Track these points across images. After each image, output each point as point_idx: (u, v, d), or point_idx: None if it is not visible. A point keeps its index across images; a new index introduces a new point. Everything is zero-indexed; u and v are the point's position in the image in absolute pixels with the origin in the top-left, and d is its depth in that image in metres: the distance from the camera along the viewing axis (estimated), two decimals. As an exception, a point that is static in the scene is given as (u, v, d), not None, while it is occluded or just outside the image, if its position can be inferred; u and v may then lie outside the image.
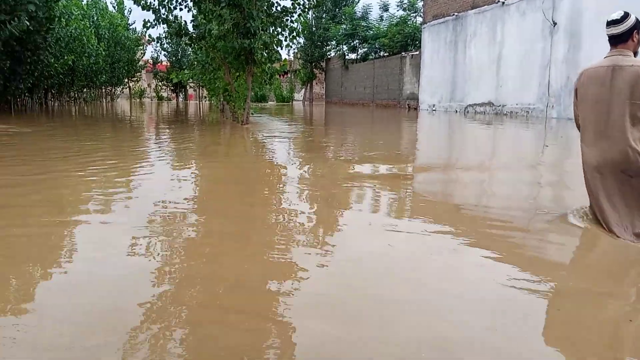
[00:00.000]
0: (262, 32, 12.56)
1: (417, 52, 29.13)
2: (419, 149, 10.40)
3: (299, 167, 7.09)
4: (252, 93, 14.70)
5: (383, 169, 6.68)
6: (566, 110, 17.47)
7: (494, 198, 5.11)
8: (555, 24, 18.03)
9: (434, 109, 26.57)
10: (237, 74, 14.35)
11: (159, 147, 9.88)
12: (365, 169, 6.68)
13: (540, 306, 2.37)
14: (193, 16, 13.94)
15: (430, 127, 17.01)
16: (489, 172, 6.77)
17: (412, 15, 33.70)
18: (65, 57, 23.39)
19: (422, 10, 29.82)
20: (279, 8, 13.20)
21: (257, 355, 1.89)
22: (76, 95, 35.25)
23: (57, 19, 19.75)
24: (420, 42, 28.84)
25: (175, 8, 13.23)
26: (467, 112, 23.42)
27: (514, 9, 20.43)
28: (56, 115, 21.13)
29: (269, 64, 13.83)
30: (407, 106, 29.89)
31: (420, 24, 29.53)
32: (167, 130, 14.59)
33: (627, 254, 3.14)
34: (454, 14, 24.68)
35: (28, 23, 15.84)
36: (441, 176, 6.37)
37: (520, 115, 19.70)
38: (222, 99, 18.45)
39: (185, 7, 13.38)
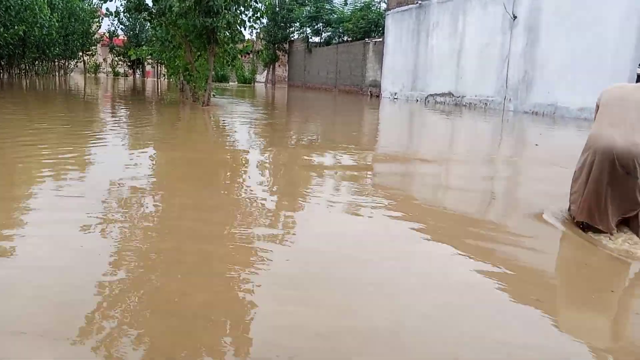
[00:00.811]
0: (226, 11, 12.27)
1: (380, 39, 29.20)
2: (380, 138, 10.46)
3: (259, 153, 7.01)
4: (213, 73, 14.40)
5: (344, 158, 6.69)
6: (523, 104, 17.95)
7: (460, 192, 5.19)
8: (515, 17, 18.40)
9: (395, 97, 26.79)
10: (199, 53, 14.02)
11: (114, 128, 9.57)
12: (326, 158, 6.67)
13: (506, 304, 2.44)
14: (153, -10, 13.46)
15: (391, 115, 17.15)
16: (458, 165, 6.89)
17: (376, 1, 33.72)
18: (16, 27, 22.24)
19: (386, -3, 29.86)
20: (243, -13, 12.90)
21: (214, 339, 1.86)
22: (27, 67, 33.72)
23: (6, -15, 18.72)
24: (383, 29, 28.90)
25: (134, -18, 12.74)
26: (428, 101, 23.73)
27: (476, 1, 20.71)
28: (5, 88, 20.13)
29: (231, 45, 13.55)
30: (369, 93, 30.01)
31: (384, 11, 29.57)
32: (123, 110, 14.14)
33: (601, 265, 3.26)
34: (417, 2, 24.80)
35: (-26, -11, 14.96)
36: (401, 168, 6.43)
37: (478, 107, 20.11)
38: (181, 78, 18.02)
39: (145, -19, 12.91)
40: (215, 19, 12.02)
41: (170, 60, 16.74)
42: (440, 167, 6.50)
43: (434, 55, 23.64)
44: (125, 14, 14.91)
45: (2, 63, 28.28)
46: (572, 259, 3.28)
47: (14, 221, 3.31)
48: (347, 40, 34.88)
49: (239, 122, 11.19)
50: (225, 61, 14.48)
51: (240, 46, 14.64)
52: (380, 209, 4.05)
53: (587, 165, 3.48)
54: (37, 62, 34.99)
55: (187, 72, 14.48)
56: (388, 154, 7.50)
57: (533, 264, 2.99)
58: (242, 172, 5.61)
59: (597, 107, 3.65)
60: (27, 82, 26.98)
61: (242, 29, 13.27)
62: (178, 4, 11.92)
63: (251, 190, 4.54)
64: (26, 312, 2.08)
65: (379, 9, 32.80)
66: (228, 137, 8.85)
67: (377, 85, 29.22)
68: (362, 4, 33.71)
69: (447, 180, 5.85)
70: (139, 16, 14.49)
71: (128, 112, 13.02)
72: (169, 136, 8.72)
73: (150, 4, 13.39)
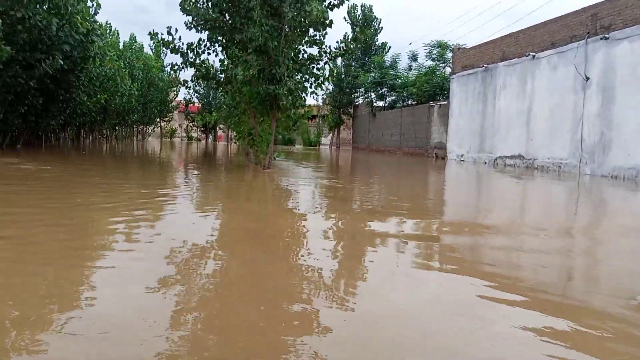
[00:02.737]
0: (288, 79, 12.53)
1: (445, 102, 29.00)
2: (447, 205, 9.96)
3: (317, 219, 6.75)
4: (279, 137, 14.62)
5: (407, 226, 6.30)
6: (600, 167, 16.85)
7: (544, 271, 4.65)
8: (587, 78, 17.65)
9: (462, 159, 26.15)
10: (262, 118, 14.33)
11: (184, 194, 9.73)
12: (390, 225, 6.30)
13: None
14: (220, 60, 14.09)
15: (458, 179, 16.56)
16: (543, 240, 6.30)
17: (440, 65, 33.81)
18: (98, 96, 23.97)
19: (450, 61, 29.88)
20: (305, 55, 13.22)
21: None
22: (108, 132, 36.08)
23: (91, 59, 20.32)
24: (448, 92, 28.74)
25: (203, 52, 13.36)
26: (497, 164, 22.92)
27: (544, 62, 20.18)
28: (87, 151, 21.47)
29: (293, 110, 13.77)
30: (434, 155, 29.56)
31: (449, 74, 29.51)
32: (189, 172, 14.54)
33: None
34: (483, 66, 24.57)
35: (62, 62, 16.28)
36: (470, 240, 5.93)
37: (551, 170, 19.11)
38: (247, 142, 18.47)
39: (213, 52, 13.51)
40: (277, 86, 12.27)
41: (236, 125, 17.26)
42: (518, 240, 5.91)
43: (501, 117, 23.06)
44: (194, 83, 15.65)
45: (85, 129, 30.40)
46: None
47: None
48: (412, 104, 34.96)
49: (297, 186, 11.10)
50: (288, 125, 14.72)
51: (301, 111, 14.86)
52: (446, 286, 3.62)
53: None
54: (117, 128, 37.38)
55: (251, 137, 14.78)
56: (458, 222, 7.02)
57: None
58: (297, 238, 5.35)
59: None
60: (108, 146, 28.74)
61: (305, 95, 13.48)
62: (243, 72, 12.32)
63: (307, 257, 4.26)
64: None
65: (444, 73, 32.83)
66: (282, 202, 8.70)
67: (442, 147, 28.78)
68: (427, 69, 33.91)
69: (524, 255, 5.29)
70: (207, 84, 15.15)
71: (192, 174, 13.36)
72: (229, 199, 8.74)
73: (219, 73, 13.98)
